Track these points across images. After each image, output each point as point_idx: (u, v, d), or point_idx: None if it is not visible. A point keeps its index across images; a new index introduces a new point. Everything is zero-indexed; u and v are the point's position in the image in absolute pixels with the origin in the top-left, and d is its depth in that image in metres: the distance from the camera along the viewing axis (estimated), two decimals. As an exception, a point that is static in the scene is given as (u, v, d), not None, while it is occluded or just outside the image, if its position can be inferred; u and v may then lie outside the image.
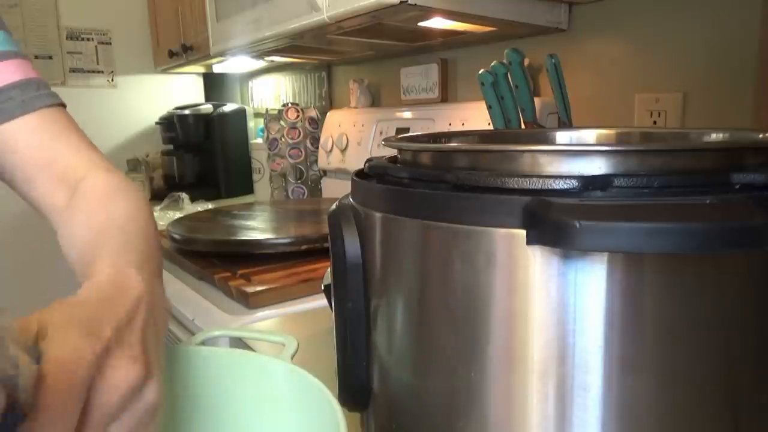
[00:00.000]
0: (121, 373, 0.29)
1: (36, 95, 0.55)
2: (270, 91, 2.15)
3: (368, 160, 0.40)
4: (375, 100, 1.61)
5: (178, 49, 1.86)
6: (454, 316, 0.31)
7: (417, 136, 0.50)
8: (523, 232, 0.28)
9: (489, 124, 0.92)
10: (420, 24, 1.03)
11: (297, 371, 0.41)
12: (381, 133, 1.41)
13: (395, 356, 0.36)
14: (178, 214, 1.51)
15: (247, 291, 0.81)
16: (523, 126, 0.90)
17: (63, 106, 0.58)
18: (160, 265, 0.46)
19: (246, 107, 2.15)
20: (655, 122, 0.94)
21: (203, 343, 0.49)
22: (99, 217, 0.48)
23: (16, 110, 0.54)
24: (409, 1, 0.87)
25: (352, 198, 0.38)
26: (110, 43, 2.11)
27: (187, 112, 2.01)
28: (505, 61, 0.88)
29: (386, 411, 0.38)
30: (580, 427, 0.29)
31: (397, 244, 0.34)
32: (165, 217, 1.52)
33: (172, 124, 2.00)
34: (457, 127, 1.19)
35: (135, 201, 0.51)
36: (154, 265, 0.43)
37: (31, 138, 0.55)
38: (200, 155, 2.06)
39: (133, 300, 0.34)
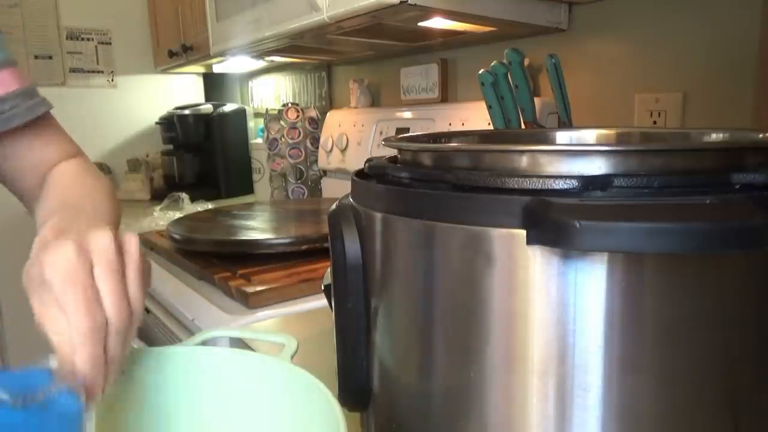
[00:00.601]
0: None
1: (32, 104, 0.62)
2: (270, 91, 2.15)
3: (368, 160, 0.40)
4: (375, 100, 1.61)
5: (178, 49, 1.86)
6: (454, 315, 0.31)
7: (417, 136, 0.50)
8: (523, 232, 0.28)
9: (489, 124, 0.92)
10: (420, 24, 1.03)
11: (297, 371, 0.41)
12: (381, 133, 1.41)
13: (395, 356, 0.36)
14: (178, 214, 1.51)
15: (247, 291, 0.81)
16: (523, 126, 0.90)
17: (50, 108, 0.66)
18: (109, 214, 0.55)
19: (246, 107, 2.15)
20: (655, 122, 0.94)
21: (203, 343, 0.49)
22: (55, 183, 0.60)
23: (16, 119, 0.60)
24: (409, 1, 0.87)
25: (352, 198, 0.38)
26: (110, 43, 2.11)
27: (187, 112, 2.01)
28: (505, 61, 0.88)
29: (386, 411, 0.38)
30: (580, 427, 0.29)
31: (397, 244, 0.34)
32: (165, 217, 1.52)
33: (172, 124, 2.00)
34: (457, 127, 1.19)
35: (89, 170, 0.64)
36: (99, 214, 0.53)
37: (26, 144, 0.63)
38: (200, 155, 2.06)
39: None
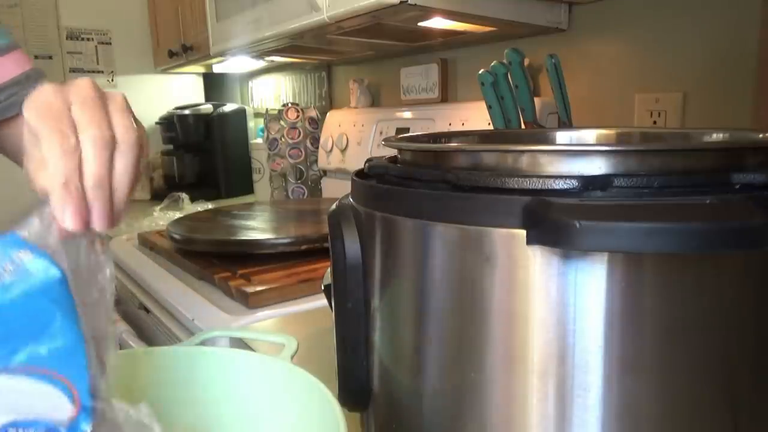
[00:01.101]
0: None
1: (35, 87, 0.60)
2: (270, 91, 2.15)
3: (368, 160, 0.40)
4: (375, 100, 1.61)
5: (178, 49, 1.86)
6: (454, 316, 0.31)
7: (417, 136, 0.50)
8: (523, 232, 0.28)
9: (489, 124, 0.92)
10: (420, 24, 1.03)
11: (297, 371, 0.41)
12: (381, 133, 1.41)
13: (395, 356, 0.36)
14: (178, 214, 1.51)
15: (247, 291, 0.81)
16: (523, 126, 0.90)
17: None
18: None
19: (246, 107, 2.15)
20: (655, 122, 0.94)
21: (203, 343, 0.49)
22: None
23: (14, 108, 0.60)
24: (409, 1, 0.87)
25: (352, 198, 0.38)
26: (110, 43, 2.11)
27: (187, 112, 2.01)
28: (505, 61, 0.88)
29: (386, 411, 0.38)
30: (580, 427, 0.29)
31: (397, 244, 0.34)
32: (165, 217, 1.52)
33: (172, 124, 2.00)
34: (457, 127, 1.19)
35: None
36: None
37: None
38: (200, 155, 2.06)
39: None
